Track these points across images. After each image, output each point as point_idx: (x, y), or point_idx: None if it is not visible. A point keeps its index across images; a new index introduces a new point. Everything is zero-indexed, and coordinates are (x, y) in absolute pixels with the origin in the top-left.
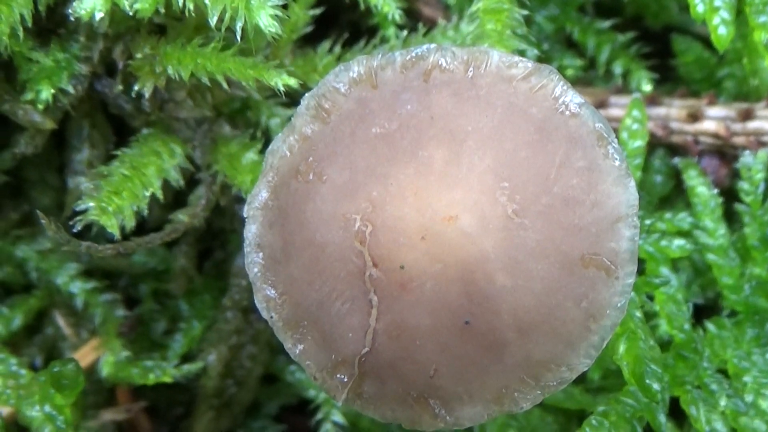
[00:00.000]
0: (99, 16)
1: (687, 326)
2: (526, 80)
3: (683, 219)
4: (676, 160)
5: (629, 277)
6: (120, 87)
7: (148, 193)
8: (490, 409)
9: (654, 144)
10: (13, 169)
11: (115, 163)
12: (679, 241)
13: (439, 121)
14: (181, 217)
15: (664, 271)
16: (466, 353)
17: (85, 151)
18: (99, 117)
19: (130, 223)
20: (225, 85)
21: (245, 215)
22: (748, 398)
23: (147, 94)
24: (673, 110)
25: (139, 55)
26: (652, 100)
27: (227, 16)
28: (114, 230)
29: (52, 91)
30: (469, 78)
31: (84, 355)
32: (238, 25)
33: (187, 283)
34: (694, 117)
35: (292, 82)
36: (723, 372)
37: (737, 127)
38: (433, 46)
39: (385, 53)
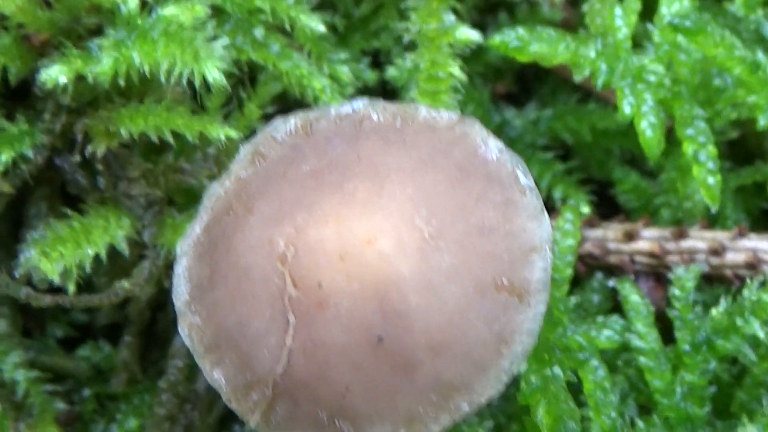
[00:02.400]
0: (62, 80)
1: (614, 414)
2: (450, 129)
3: (615, 321)
4: (613, 282)
5: (541, 304)
6: (78, 158)
7: (92, 252)
8: (398, 430)
9: (592, 266)
10: None
11: (64, 221)
12: (607, 332)
13: (365, 160)
14: (123, 283)
15: (594, 362)
16: (378, 372)
17: (40, 231)
18: (57, 200)
19: (72, 280)
20: (170, 139)
21: (177, 252)
22: None
23: (99, 155)
24: (610, 232)
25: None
26: (590, 223)
27: (177, 70)
28: (54, 276)
29: (13, 154)
30: (397, 127)
31: None
32: (187, 76)
33: (128, 379)
34: (630, 236)
35: (233, 133)
36: None
37: (671, 246)
38: (366, 100)
39: (320, 107)
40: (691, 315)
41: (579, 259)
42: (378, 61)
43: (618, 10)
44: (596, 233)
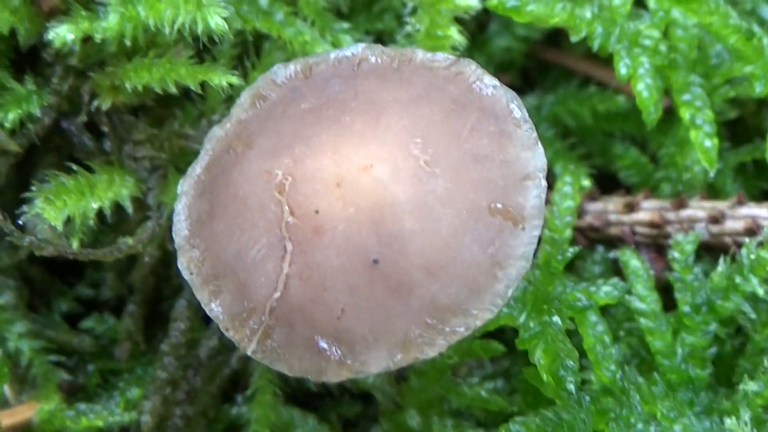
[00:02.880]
0: (69, 37)
1: (613, 367)
2: (447, 69)
3: (615, 282)
4: (614, 254)
5: (535, 229)
6: (84, 118)
7: (95, 206)
8: (395, 355)
9: (593, 240)
10: None
11: (70, 175)
12: (606, 287)
13: (362, 95)
14: (126, 239)
15: (593, 316)
16: (373, 294)
17: (46, 183)
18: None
19: (76, 235)
20: (173, 89)
21: (178, 191)
22: None
23: (104, 108)
24: (611, 204)
25: (100, 75)
26: (591, 196)
27: (180, 19)
28: (57, 222)
29: (21, 113)
30: (394, 67)
31: (20, 412)
32: (189, 25)
33: (131, 348)
34: (630, 208)
35: (235, 80)
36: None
37: (671, 215)
38: (364, 45)
39: (320, 53)
40: (690, 276)
41: (580, 231)
42: (382, 42)
43: None
44: (596, 206)
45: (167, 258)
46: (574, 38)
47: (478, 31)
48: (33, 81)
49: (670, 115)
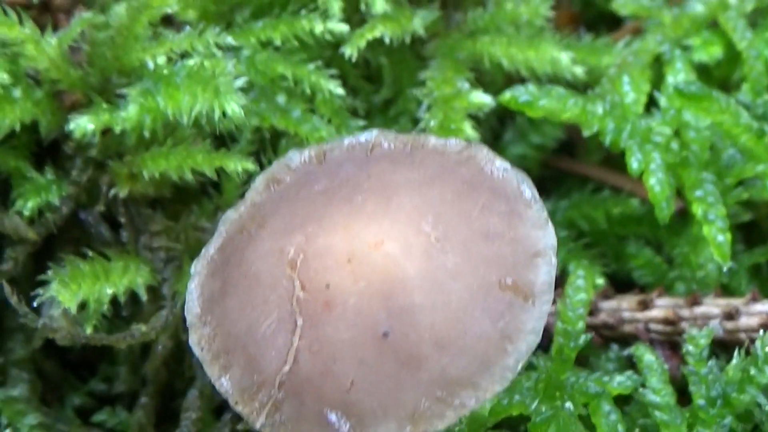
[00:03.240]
0: (90, 127)
1: None
2: (458, 153)
3: (630, 375)
4: (629, 351)
5: (545, 304)
6: (102, 208)
7: (110, 291)
8: (404, 428)
9: (608, 338)
10: None
11: (86, 260)
12: (620, 378)
13: (374, 177)
14: (140, 326)
15: (606, 406)
16: (383, 366)
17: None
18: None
19: (91, 318)
20: (190, 177)
21: (191, 272)
22: None
23: (122, 195)
24: (624, 302)
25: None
26: (605, 294)
27: (198, 107)
28: (71, 305)
29: (40, 202)
30: (407, 152)
31: None
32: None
33: None
34: (644, 305)
35: (251, 166)
36: None
37: (685, 312)
38: (378, 131)
39: (335, 140)
40: (705, 369)
41: (594, 329)
42: None
43: (626, 78)
44: (610, 304)
45: (181, 350)
46: (586, 133)
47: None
48: (53, 171)
49: (683, 217)
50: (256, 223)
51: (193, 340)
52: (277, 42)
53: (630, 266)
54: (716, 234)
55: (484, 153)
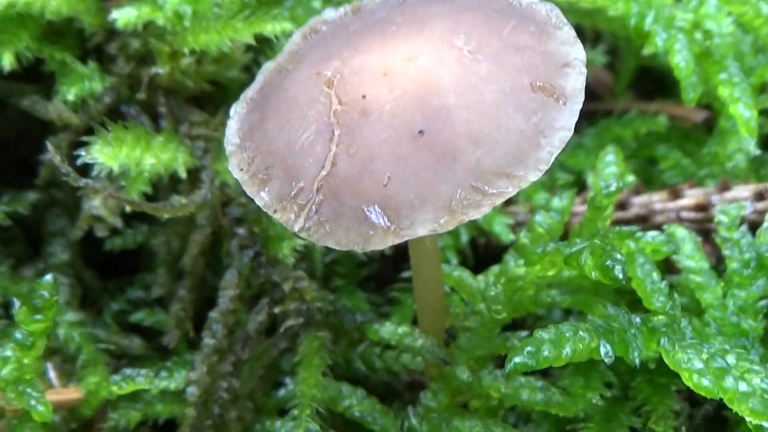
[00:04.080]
0: (132, 14)
1: (663, 298)
2: None
3: (664, 241)
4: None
5: (576, 104)
6: (143, 95)
7: (151, 161)
8: (441, 217)
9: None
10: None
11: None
12: (653, 233)
13: (408, 13)
14: (180, 197)
15: (640, 258)
16: (419, 161)
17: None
18: None
19: (133, 185)
20: (229, 45)
21: (230, 113)
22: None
23: (162, 72)
24: (656, 195)
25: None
26: (636, 190)
27: None
28: (113, 163)
29: (83, 88)
30: None
31: (67, 393)
32: None
33: (181, 336)
34: (676, 194)
35: (289, 25)
36: None
37: (716, 198)
38: None
39: None
40: (737, 234)
41: (626, 223)
42: None
43: None
44: (642, 198)
45: (218, 239)
46: (611, 12)
47: None
48: (96, 65)
49: (709, 130)
50: (294, 62)
51: (233, 164)
52: None
53: (660, 169)
54: (743, 110)
55: None
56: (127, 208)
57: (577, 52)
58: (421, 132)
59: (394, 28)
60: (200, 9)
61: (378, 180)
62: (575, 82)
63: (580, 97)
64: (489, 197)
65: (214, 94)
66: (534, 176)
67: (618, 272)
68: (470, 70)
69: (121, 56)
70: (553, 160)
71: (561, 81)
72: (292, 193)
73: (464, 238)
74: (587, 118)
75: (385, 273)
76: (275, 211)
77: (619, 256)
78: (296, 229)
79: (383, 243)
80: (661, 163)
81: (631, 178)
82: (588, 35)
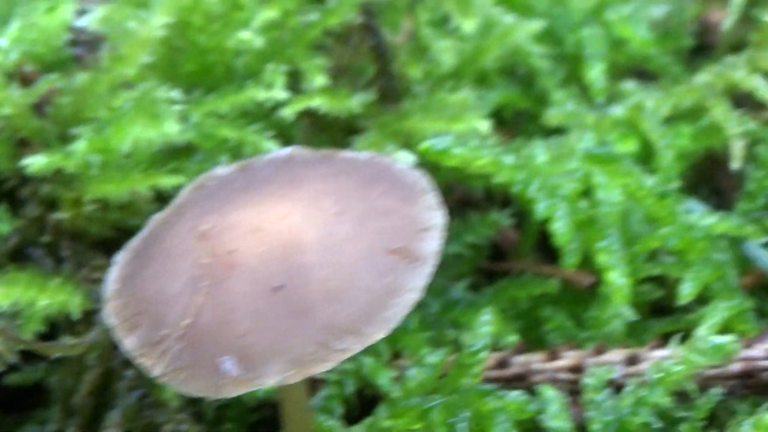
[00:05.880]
0: (42, 161)
1: None
2: (367, 157)
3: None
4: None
5: (429, 267)
6: (48, 238)
7: (44, 303)
8: (289, 369)
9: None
10: None
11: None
12: (517, 392)
13: (288, 174)
14: (69, 338)
15: (500, 416)
16: (275, 315)
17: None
18: None
19: (26, 325)
20: (126, 197)
21: (112, 262)
22: None
23: (65, 217)
24: (536, 356)
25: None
26: (517, 350)
27: (138, 131)
28: (4, 303)
29: None
30: (321, 158)
31: None
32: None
33: None
34: (554, 356)
35: (182, 180)
36: None
37: (590, 360)
38: (297, 147)
39: (259, 155)
40: (601, 396)
41: (506, 382)
42: None
43: (540, 149)
44: (521, 358)
45: (109, 378)
46: (496, 179)
47: None
48: (7, 208)
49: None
50: (177, 215)
51: (109, 309)
52: (224, 110)
53: (544, 329)
54: (617, 278)
55: (390, 157)
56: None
57: (437, 217)
58: (280, 287)
59: (273, 187)
60: (109, 159)
61: (236, 332)
62: (431, 245)
63: (433, 260)
64: (336, 353)
65: (120, 240)
66: (381, 334)
67: (462, 430)
68: (333, 230)
69: (31, 200)
70: (400, 319)
71: (418, 244)
72: (156, 340)
73: (350, 388)
74: (489, 277)
75: (275, 418)
76: (139, 356)
77: (467, 414)
78: (156, 374)
79: (234, 391)
80: (546, 324)
81: (512, 338)
82: (498, 197)
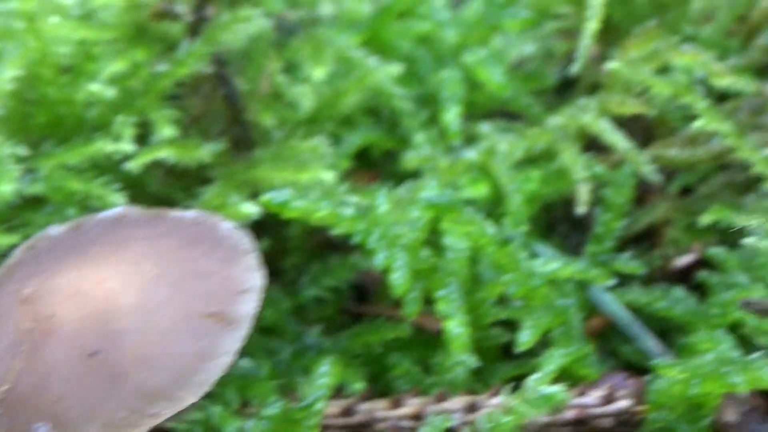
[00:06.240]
0: None
1: None
2: (193, 218)
3: None
4: None
5: (243, 330)
6: None
7: None
8: None
9: None
10: None
11: None
12: None
13: (113, 235)
14: None
15: None
16: (89, 382)
17: None
18: None
19: None
20: None
21: None
22: None
23: None
24: (380, 404)
25: None
26: (364, 397)
27: None
28: None
29: None
30: (149, 218)
31: None
32: None
33: None
34: (397, 404)
35: (14, 239)
36: None
37: (432, 408)
38: (126, 206)
39: (91, 215)
40: None
41: (349, 430)
42: None
43: (382, 198)
44: (367, 405)
45: None
46: (336, 232)
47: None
48: None
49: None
50: (6, 276)
51: None
52: (74, 163)
53: (390, 376)
54: (454, 327)
55: (216, 218)
56: None
57: (256, 279)
58: (96, 353)
59: (96, 249)
60: None
61: (51, 397)
62: (248, 308)
63: (248, 323)
64: (147, 418)
65: None
66: (194, 398)
67: None
68: (151, 294)
69: None
70: (213, 383)
71: (234, 307)
72: None
73: None
74: (356, 318)
75: None
76: None
77: None
78: None
79: None
80: (393, 371)
81: (359, 386)
82: None
